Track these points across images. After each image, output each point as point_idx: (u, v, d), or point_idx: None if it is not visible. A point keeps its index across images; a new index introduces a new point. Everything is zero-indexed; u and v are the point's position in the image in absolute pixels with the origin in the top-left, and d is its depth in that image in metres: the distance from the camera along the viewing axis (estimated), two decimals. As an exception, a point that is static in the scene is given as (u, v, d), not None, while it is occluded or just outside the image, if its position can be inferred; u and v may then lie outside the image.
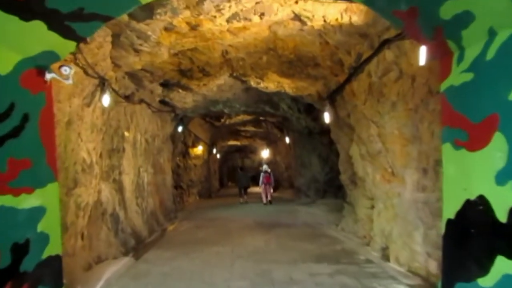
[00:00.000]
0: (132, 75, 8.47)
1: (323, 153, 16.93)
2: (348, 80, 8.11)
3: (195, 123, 21.25)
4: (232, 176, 47.61)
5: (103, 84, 6.86)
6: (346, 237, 8.66)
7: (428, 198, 5.67)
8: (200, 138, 22.18)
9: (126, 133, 9.24)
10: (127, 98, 9.28)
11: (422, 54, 4.87)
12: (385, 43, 6.31)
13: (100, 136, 8.09)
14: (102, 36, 5.72)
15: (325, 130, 16.09)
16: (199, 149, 22.34)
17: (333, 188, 16.85)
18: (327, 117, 9.66)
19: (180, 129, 14.67)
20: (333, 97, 9.35)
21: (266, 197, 17.91)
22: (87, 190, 7.06)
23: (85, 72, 6.24)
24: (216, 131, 24.77)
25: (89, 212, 7.47)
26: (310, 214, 13.15)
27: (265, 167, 19.41)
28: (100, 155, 8.31)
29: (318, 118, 14.96)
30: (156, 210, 11.71)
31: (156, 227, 11.00)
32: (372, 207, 8.09)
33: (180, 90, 10.17)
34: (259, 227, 10.51)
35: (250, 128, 24.70)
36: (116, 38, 6.00)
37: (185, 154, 21.89)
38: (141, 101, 9.89)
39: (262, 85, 10.20)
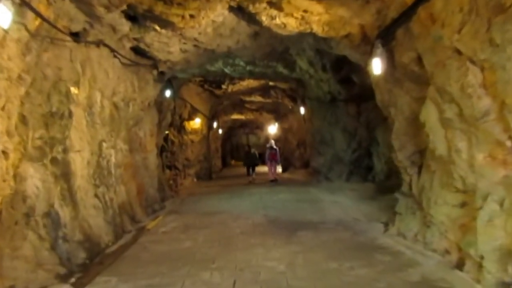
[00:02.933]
0: (74, -6, 5.40)
1: (349, 126, 13.85)
2: (426, -5, 5.02)
3: (191, 91, 18.23)
4: (237, 154, 45.07)
5: (-7, -16, 3.80)
6: (413, 249, 5.69)
7: None
8: (198, 109, 19.15)
9: (73, 90, 6.21)
10: (76, 36, 6.25)
11: None
12: None
13: (20, 89, 5.11)
14: None
15: (353, 96, 13.03)
16: (197, 123, 19.36)
17: (361, 169, 13.92)
18: (377, 66, 6.57)
19: (168, 93, 11.61)
20: (389, 34, 6.24)
21: (272, 174, 17.62)
22: (-22, 179, 4.10)
23: None
24: (217, 102, 21.70)
25: (-6, 215, 4.57)
26: (338, 205, 10.21)
27: (271, 143, 18.29)
28: (23, 121, 5.35)
29: (347, 79, 11.88)
30: (132, 202, 8.78)
31: (129, 226, 8.08)
32: (463, 204, 5.10)
33: (158, 28, 7.05)
34: (274, 228, 7.52)
35: (257, 98, 21.57)
36: None
37: (180, 129, 18.99)
38: (100, 43, 6.83)
39: (279, 22, 7.09)
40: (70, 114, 6.19)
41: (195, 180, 19.43)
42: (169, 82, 11.60)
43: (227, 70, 12.23)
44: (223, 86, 17.56)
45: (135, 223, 8.48)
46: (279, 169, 25.62)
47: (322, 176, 15.22)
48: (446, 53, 4.98)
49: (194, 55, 9.52)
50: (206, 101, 20.25)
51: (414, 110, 6.33)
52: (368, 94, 12.87)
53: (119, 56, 7.74)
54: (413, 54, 5.82)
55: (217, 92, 18.91)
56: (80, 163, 6.50)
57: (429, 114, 5.52)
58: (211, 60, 10.83)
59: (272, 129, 30.84)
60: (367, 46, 7.23)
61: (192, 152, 19.67)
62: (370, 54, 7.10)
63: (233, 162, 44.18)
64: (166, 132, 15.24)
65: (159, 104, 11.83)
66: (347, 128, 13.88)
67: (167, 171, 18.31)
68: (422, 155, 6.43)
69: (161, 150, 17.25)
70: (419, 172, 6.49)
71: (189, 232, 7.46)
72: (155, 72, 9.79)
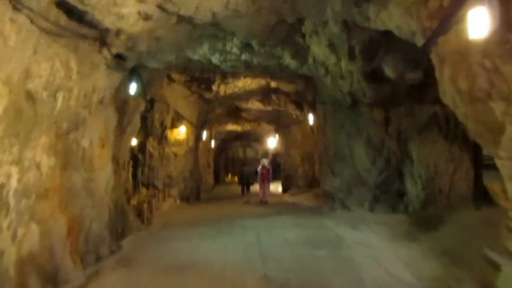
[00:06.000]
0: None
1: (374, 137, 10.84)
2: None
3: (175, 93, 15.30)
4: (232, 168, 42.40)
5: None
6: None
7: None
8: (183, 116, 16.20)
9: None
10: None
11: None
12: None
13: None
14: None
15: (381, 99, 10.07)
16: (181, 132, 16.34)
17: (390, 196, 10.91)
18: (482, 22, 3.61)
19: (132, 88, 8.61)
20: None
21: (263, 195, 17.15)
22: None
23: None
24: (208, 108, 18.79)
25: None
26: (368, 251, 7.28)
27: (263, 162, 17.72)
28: None
29: (377, 73, 8.92)
30: (54, 249, 5.67)
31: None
32: None
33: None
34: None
35: (255, 105, 18.77)
36: None
37: (161, 139, 16.01)
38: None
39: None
40: None
41: (178, 202, 16.34)
42: (134, 71, 8.63)
43: (215, 60, 9.25)
44: (214, 87, 14.61)
45: (56, 286, 5.39)
46: (279, 188, 23.18)
47: (337, 203, 12.16)
48: None
49: (164, 27, 6.58)
50: (193, 106, 17.31)
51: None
52: (402, 96, 9.99)
53: (28, 13, 4.77)
54: None
55: (207, 95, 15.98)
56: None
57: None
58: (192, 41, 7.87)
59: (272, 141, 28.20)
60: (444, 1, 4.29)
61: (175, 167, 16.64)
62: (444, 17, 4.19)
63: (229, 177, 41.55)
64: (135, 141, 12.20)
65: (121, 102, 8.82)
66: (371, 141, 10.88)
67: (143, 190, 15.30)
68: None
69: (136, 165, 14.37)
70: None
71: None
72: (106, 52, 6.79)
